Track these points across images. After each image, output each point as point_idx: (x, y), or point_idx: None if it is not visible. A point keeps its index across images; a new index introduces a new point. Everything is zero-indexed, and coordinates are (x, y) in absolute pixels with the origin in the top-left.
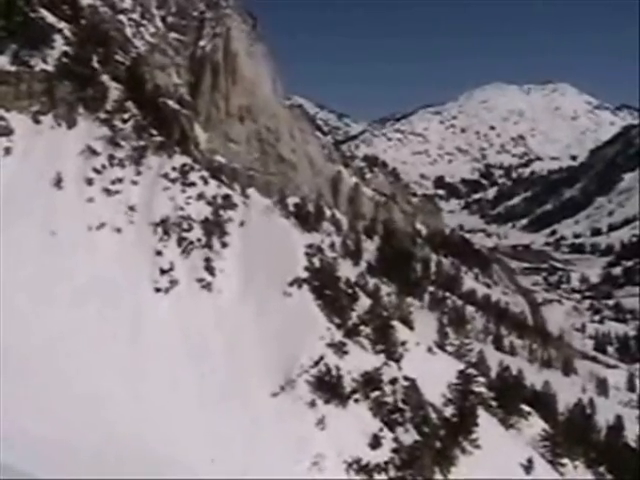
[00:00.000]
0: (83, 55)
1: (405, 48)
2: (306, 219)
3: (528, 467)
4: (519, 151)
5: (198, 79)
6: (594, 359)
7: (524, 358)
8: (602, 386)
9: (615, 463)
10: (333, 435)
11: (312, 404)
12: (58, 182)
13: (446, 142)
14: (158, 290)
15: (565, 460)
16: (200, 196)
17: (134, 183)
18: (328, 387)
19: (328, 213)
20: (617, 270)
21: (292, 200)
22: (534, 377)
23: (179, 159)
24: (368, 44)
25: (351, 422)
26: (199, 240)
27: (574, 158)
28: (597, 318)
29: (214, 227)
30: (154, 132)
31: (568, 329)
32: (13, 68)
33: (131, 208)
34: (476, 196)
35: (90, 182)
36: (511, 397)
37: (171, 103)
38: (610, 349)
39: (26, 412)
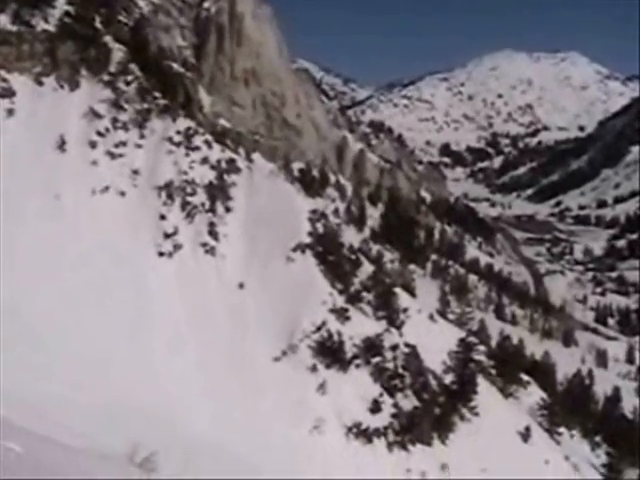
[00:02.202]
0: (85, 15)
1: (414, 20)
2: (310, 184)
3: (525, 435)
4: (526, 120)
5: (202, 41)
6: (595, 331)
7: (525, 328)
8: (601, 358)
9: (611, 433)
10: (334, 400)
11: (313, 369)
12: (61, 145)
13: (453, 109)
14: (162, 254)
15: (562, 429)
16: (204, 160)
17: (138, 146)
18: (329, 352)
19: (332, 179)
20: (621, 243)
21: (297, 165)
22: (534, 347)
23: (183, 123)
24: (376, 20)
25: (352, 387)
26: (203, 204)
27: (582, 129)
28: (599, 290)
29: (218, 191)
30: (158, 95)
31: (570, 300)
32: (14, 28)
33: (135, 172)
34: (481, 165)
35: (94, 145)
36: (511, 366)
37: (175, 66)
38: (611, 321)
39: (30, 371)
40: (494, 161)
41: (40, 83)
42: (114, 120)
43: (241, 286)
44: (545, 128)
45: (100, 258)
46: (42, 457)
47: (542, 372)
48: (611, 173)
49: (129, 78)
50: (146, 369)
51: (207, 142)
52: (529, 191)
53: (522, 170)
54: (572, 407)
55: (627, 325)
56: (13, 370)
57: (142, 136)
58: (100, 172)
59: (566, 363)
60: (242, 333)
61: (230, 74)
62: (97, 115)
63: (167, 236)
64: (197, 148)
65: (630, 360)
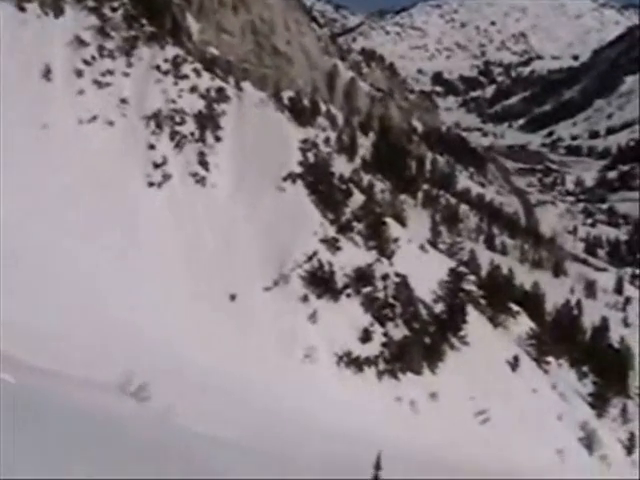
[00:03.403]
0: None
1: None
2: (301, 113)
3: (514, 364)
4: (519, 49)
5: None
6: (584, 262)
7: (515, 258)
8: (590, 288)
9: (598, 363)
10: (325, 329)
11: (305, 299)
12: (47, 74)
13: (445, 37)
14: (151, 184)
15: (550, 358)
16: (193, 89)
17: (125, 75)
18: (320, 282)
19: (323, 108)
20: (613, 174)
21: (287, 94)
22: (524, 277)
23: (171, 50)
24: None
25: (342, 316)
26: (192, 134)
27: (576, 58)
28: (590, 221)
29: (207, 121)
30: (145, 22)
31: (560, 231)
32: None
33: (123, 101)
34: (474, 94)
35: (80, 74)
36: (500, 296)
37: None
38: (600, 252)
39: (20, 303)
40: (486, 90)
41: (23, 9)
42: (100, 48)
43: (231, 216)
44: (538, 57)
45: (89, 188)
46: (35, 388)
47: (531, 302)
48: (604, 103)
49: (115, 4)
50: (137, 299)
51: (196, 70)
52: (521, 121)
53: (514, 99)
54: (560, 337)
55: (616, 256)
56: (3, 302)
57: (129, 64)
58: (87, 101)
59: (555, 293)
60: (232, 263)
61: (218, 0)
62: (83, 43)
63: (156, 166)
64: (186, 76)
65: (619, 291)
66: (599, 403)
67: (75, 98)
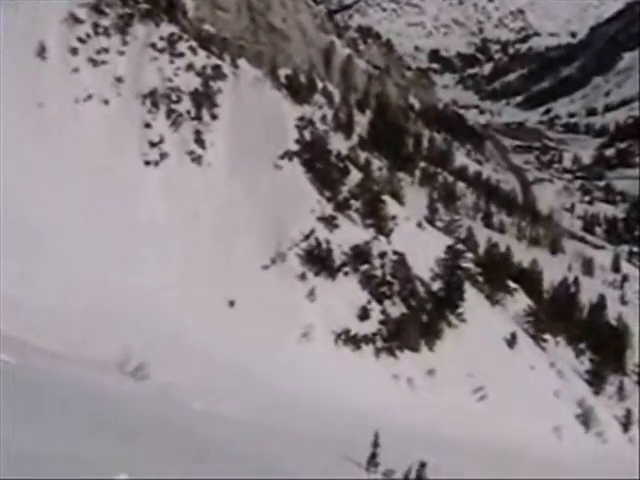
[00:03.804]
0: None
1: None
2: (297, 91)
3: (511, 341)
4: (517, 26)
5: None
6: (582, 239)
7: (513, 235)
8: (588, 266)
9: (596, 340)
10: (322, 307)
11: (302, 277)
12: (41, 52)
13: (442, 14)
14: (148, 163)
15: (547, 336)
16: (189, 67)
17: (120, 53)
18: (318, 260)
19: (320, 85)
20: (610, 151)
21: (283, 71)
22: (522, 254)
23: (166, 28)
24: None
25: (340, 294)
26: (188, 112)
27: (574, 35)
28: (587, 199)
29: (204, 99)
30: None
31: (558, 209)
32: None
33: (118, 79)
34: (471, 71)
35: (75, 52)
36: (498, 273)
37: None
38: (598, 230)
39: (20, 282)
40: (484, 67)
41: None
42: (95, 25)
43: (228, 194)
44: (536, 34)
45: (85, 168)
46: (35, 367)
47: (529, 279)
48: (602, 80)
49: None
50: (135, 278)
51: (192, 48)
52: (519, 98)
53: (512, 77)
54: (558, 314)
55: (614, 234)
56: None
57: (124, 42)
58: (82, 80)
59: (553, 271)
60: (230, 241)
61: None
62: (77, 20)
63: (153, 145)
64: (181, 54)
65: (616, 268)
66: (596, 380)
67: (70, 76)
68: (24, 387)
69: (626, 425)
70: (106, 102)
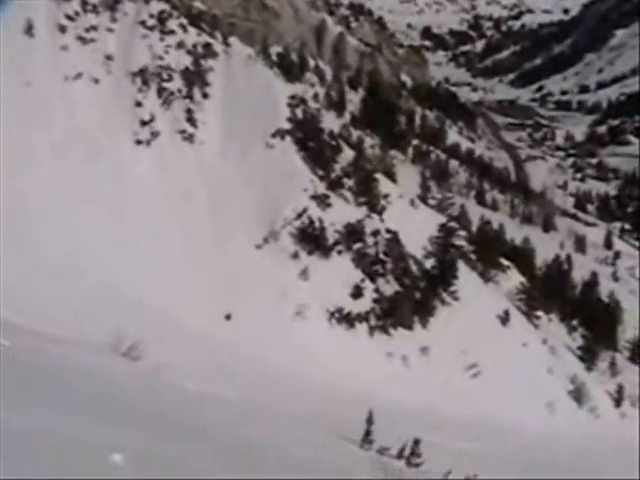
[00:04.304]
0: None
1: None
2: (289, 69)
3: (504, 319)
4: (510, 2)
5: None
6: (574, 216)
7: (505, 213)
8: (580, 243)
9: (588, 317)
10: (316, 285)
11: (295, 255)
12: (29, 29)
13: None
14: (139, 142)
15: (540, 313)
16: (180, 45)
17: (110, 31)
18: (311, 239)
19: (312, 63)
20: (602, 129)
21: (275, 49)
22: (514, 232)
23: (156, 5)
24: None
25: (333, 273)
26: (179, 91)
27: (566, 11)
28: (579, 176)
29: (195, 77)
30: None
31: (550, 186)
32: None
33: (108, 57)
34: (463, 48)
35: (63, 30)
36: (491, 251)
37: None
38: (590, 207)
39: (13, 268)
40: (476, 45)
41: None
42: (83, 3)
43: (221, 173)
44: (529, 11)
45: (75, 148)
46: (28, 349)
47: (521, 257)
48: (594, 57)
49: None
50: (128, 259)
51: (182, 26)
52: (511, 75)
53: (505, 54)
54: (550, 291)
55: (606, 211)
56: None
57: (114, 19)
58: (71, 58)
59: (545, 248)
60: (223, 221)
61: None
62: None
63: (144, 123)
64: (172, 32)
65: (608, 246)
66: (588, 356)
67: (59, 54)
68: (18, 369)
69: (618, 400)
70: (96, 81)
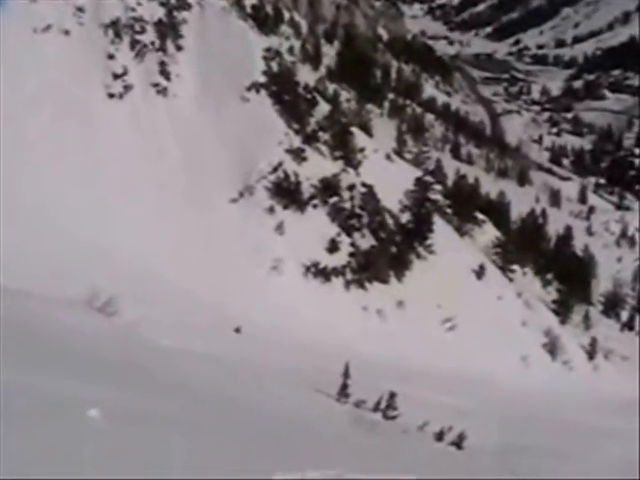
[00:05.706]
0: None
1: None
2: (264, 21)
3: (479, 273)
4: None
5: None
6: (549, 171)
7: (481, 167)
8: (555, 197)
9: (562, 271)
10: (291, 240)
11: (271, 210)
12: None
13: None
14: (112, 96)
15: (515, 267)
16: None
17: None
18: (286, 193)
19: (287, 16)
20: (578, 83)
21: (249, 1)
22: (490, 186)
23: None
24: None
25: (309, 227)
26: (153, 43)
27: None
28: (555, 130)
29: (168, 29)
30: None
31: (526, 140)
32: None
33: (79, 9)
34: (440, 1)
35: None
36: (466, 205)
37: None
38: (565, 162)
39: None
40: None
41: None
42: None
43: (195, 127)
44: None
45: (47, 102)
46: (2, 307)
47: (497, 211)
48: (571, 12)
49: None
50: (101, 214)
51: None
52: (488, 29)
53: (481, 7)
54: (525, 245)
55: (581, 165)
56: None
57: None
58: (41, 10)
59: (520, 202)
60: (197, 175)
61: None
62: None
63: (116, 77)
64: None
65: (582, 200)
66: (562, 310)
67: (28, 6)
68: None
69: (591, 354)
70: (66, 32)
